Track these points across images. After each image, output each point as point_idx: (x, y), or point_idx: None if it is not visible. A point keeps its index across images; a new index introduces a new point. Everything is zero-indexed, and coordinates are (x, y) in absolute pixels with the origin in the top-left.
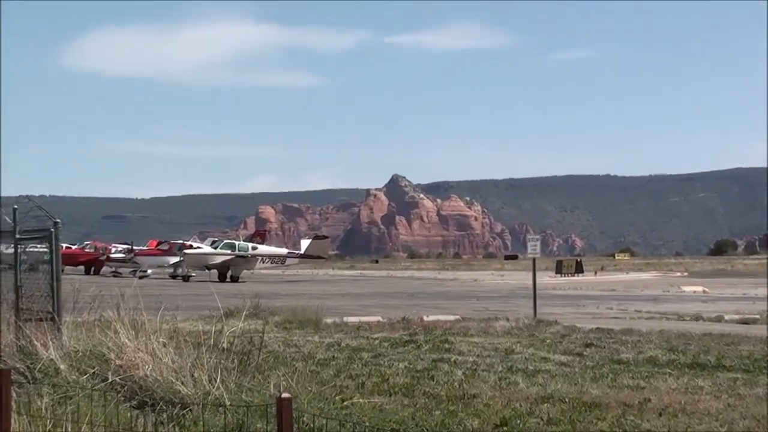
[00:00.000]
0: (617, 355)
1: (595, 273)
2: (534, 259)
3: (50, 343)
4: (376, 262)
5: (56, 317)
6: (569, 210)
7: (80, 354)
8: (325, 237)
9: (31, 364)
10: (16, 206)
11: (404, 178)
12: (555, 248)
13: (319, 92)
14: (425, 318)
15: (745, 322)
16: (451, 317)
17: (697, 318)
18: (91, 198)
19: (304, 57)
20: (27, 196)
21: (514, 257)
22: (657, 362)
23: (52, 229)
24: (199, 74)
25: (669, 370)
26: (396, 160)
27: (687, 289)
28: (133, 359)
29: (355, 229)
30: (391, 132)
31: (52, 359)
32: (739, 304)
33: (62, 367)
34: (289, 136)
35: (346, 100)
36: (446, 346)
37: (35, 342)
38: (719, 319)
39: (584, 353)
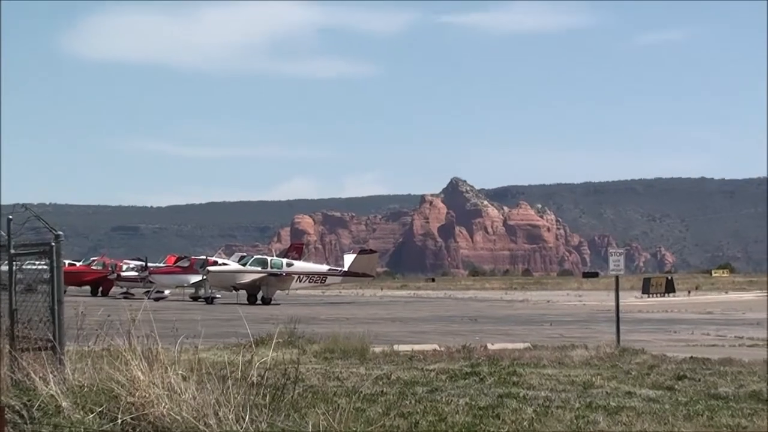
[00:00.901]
0: (714, 389)
1: (689, 293)
2: (617, 277)
3: (50, 376)
4: (432, 280)
5: (57, 346)
6: (658, 219)
7: (85, 389)
8: (372, 251)
9: (29, 401)
10: (11, 216)
11: (465, 182)
12: (641, 264)
13: (365, 82)
14: (490, 346)
15: None
16: (520, 345)
17: None
18: (98, 207)
19: (346, 41)
20: (24, 205)
21: (594, 275)
22: (761, 398)
23: (53, 243)
24: (224, 62)
25: None
26: (455, 161)
27: None
28: (147, 395)
29: (407, 242)
30: (450, 129)
31: (52, 395)
32: None
33: (64, 404)
34: (330, 133)
35: (396, 91)
36: (514, 379)
37: (33, 375)
38: None
39: (676, 387)
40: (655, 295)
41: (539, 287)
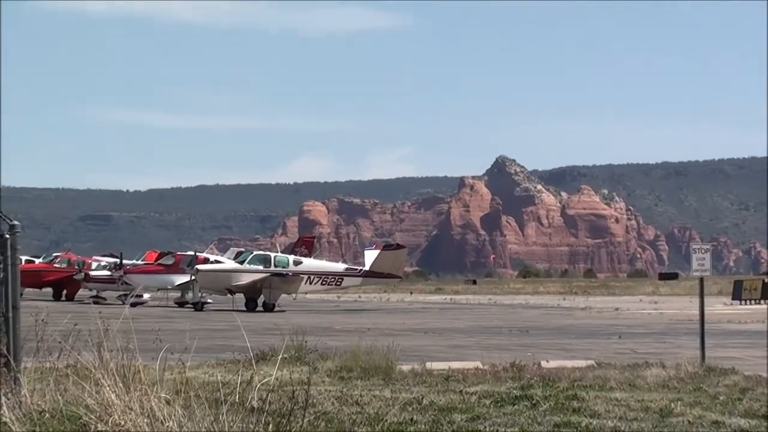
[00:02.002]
0: None
1: None
2: (701, 279)
3: (2, 399)
4: (474, 282)
5: (12, 362)
6: (752, 208)
7: (46, 415)
8: (399, 246)
9: None
10: None
11: (514, 162)
12: (731, 263)
13: (393, 37)
14: (544, 364)
15: None
16: (582, 362)
17: None
18: (62, 191)
19: None
20: None
21: (673, 276)
22: None
23: (7, 235)
24: (218, 12)
25: None
26: (502, 136)
27: None
28: (123, 423)
29: (443, 235)
30: (496, 97)
31: (5, 422)
32: None
33: None
34: (348, 100)
35: (431, 50)
36: (574, 404)
37: None
38: None
39: None
40: (748, 302)
41: (605, 292)
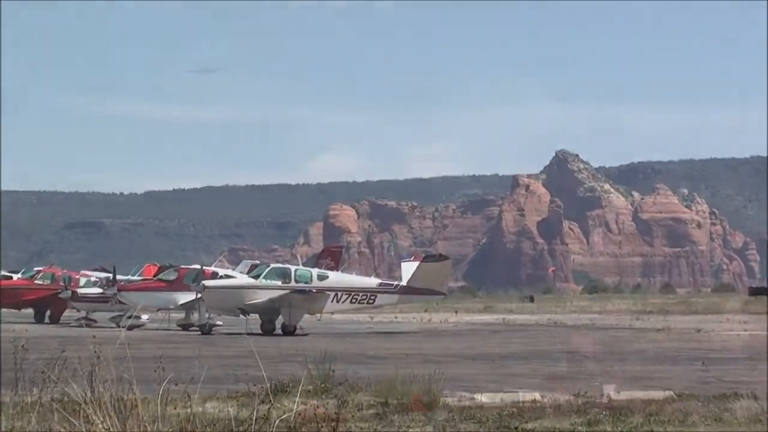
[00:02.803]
0: None
1: None
2: None
3: None
4: (531, 299)
5: None
6: None
7: None
8: (443, 257)
9: None
10: None
11: (577, 157)
12: None
13: (431, 9)
14: (614, 395)
15: None
16: (659, 394)
17: None
18: (45, 194)
19: None
20: None
21: (766, 291)
22: None
23: None
24: None
25: None
26: (562, 128)
27: None
28: None
29: (493, 244)
30: (554, 80)
31: None
32: None
33: None
34: (381, 86)
35: (478, 22)
36: None
37: None
38: None
39: None
40: None
41: (685, 310)
